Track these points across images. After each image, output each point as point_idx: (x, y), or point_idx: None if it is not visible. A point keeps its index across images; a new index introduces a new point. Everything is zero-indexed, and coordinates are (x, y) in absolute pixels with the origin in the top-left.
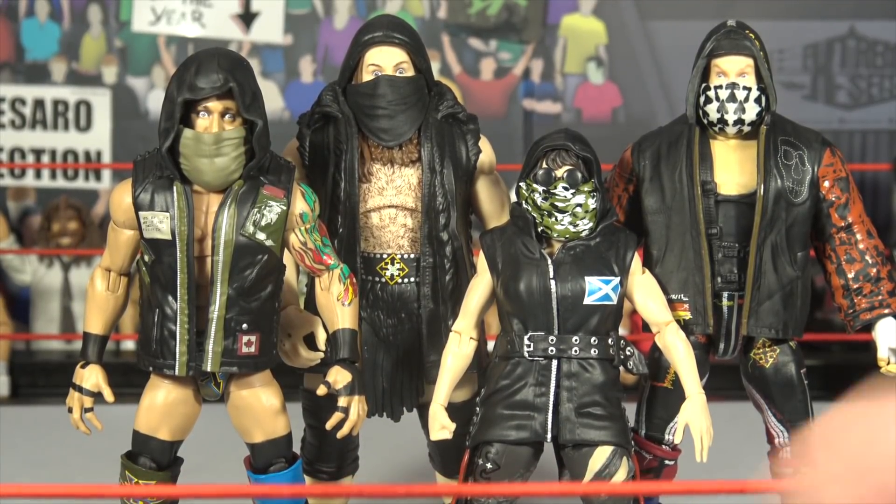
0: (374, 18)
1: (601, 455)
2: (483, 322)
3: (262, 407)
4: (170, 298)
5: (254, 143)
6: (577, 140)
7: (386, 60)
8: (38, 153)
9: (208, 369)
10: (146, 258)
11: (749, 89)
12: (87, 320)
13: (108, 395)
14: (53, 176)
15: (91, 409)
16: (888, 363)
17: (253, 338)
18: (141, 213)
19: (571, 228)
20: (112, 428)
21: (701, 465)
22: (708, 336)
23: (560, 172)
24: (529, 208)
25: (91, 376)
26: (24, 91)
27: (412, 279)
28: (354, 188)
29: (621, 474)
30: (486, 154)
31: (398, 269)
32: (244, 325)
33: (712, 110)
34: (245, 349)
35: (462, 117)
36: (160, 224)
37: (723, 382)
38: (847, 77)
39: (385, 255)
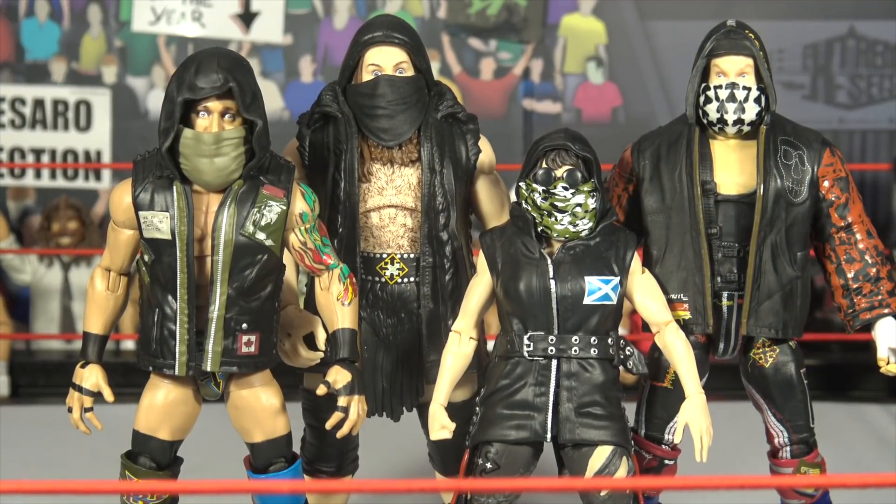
0: (374, 18)
1: (601, 455)
2: (483, 322)
3: (261, 407)
4: (170, 298)
5: (254, 143)
6: (577, 140)
7: (386, 60)
8: (38, 153)
9: (208, 369)
10: (146, 258)
11: (749, 89)
12: (87, 320)
13: (108, 394)
14: (53, 176)
15: (91, 409)
16: (888, 363)
17: (253, 337)
18: (141, 213)
19: (571, 228)
20: (112, 428)
21: (701, 465)
22: (708, 336)
23: (560, 172)
24: (529, 208)
25: (91, 376)
26: (24, 91)
27: (412, 279)
28: (354, 188)
29: (621, 474)
30: (486, 154)
31: (398, 269)
32: (244, 325)
33: (712, 110)
34: (245, 349)
35: (462, 117)
36: (160, 224)
37: (723, 382)
38: (847, 77)
39: (385, 255)
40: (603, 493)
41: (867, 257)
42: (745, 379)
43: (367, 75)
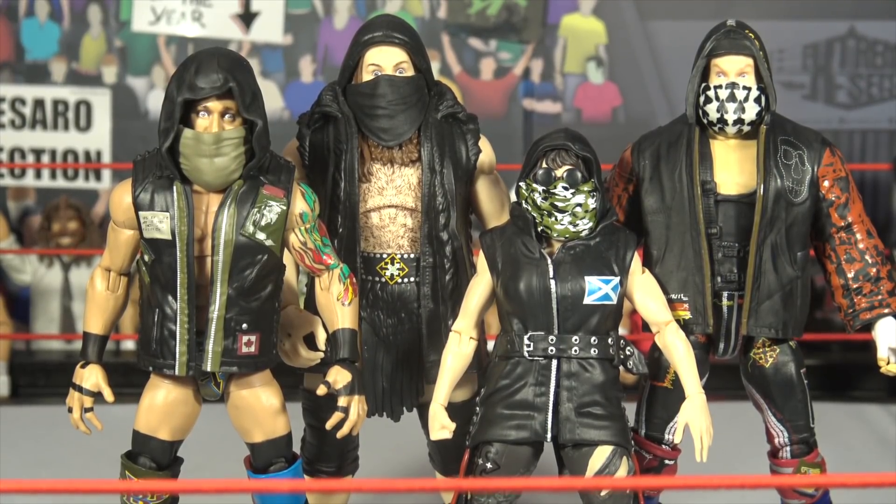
0: (374, 18)
1: (601, 455)
2: (483, 322)
3: (261, 407)
4: (170, 298)
5: (254, 143)
6: (577, 140)
7: (386, 60)
8: (38, 153)
9: (208, 369)
10: (146, 258)
11: (749, 89)
12: (87, 320)
13: (108, 395)
14: (53, 176)
15: (91, 409)
16: (888, 363)
17: (253, 338)
18: (141, 213)
19: (571, 228)
20: (112, 428)
21: (701, 465)
22: (708, 336)
23: (560, 172)
24: (529, 208)
25: (91, 376)
26: (24, 91)
27: (412, 279)
28: (354, 188)
29: (621, 474)
30: (486, 154)
31: (398, 269)
32: (244, 325)
33: (712, 110)
34: (245, 349)
35: (462, 117)
36: (160, 224)
37: (723, 382)
38: (847, 77)
39: (385, 255)
40: (603, 493)
41: (867, 257)
42: (745, 379)
43: (367, 75)
